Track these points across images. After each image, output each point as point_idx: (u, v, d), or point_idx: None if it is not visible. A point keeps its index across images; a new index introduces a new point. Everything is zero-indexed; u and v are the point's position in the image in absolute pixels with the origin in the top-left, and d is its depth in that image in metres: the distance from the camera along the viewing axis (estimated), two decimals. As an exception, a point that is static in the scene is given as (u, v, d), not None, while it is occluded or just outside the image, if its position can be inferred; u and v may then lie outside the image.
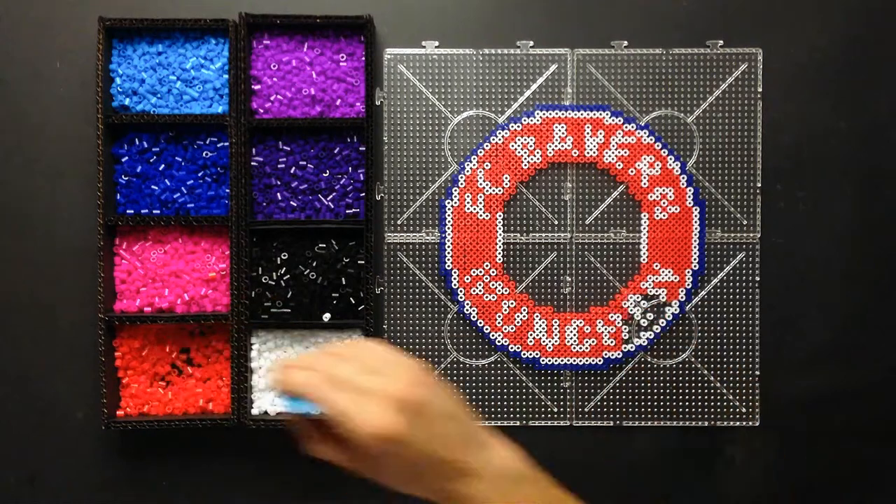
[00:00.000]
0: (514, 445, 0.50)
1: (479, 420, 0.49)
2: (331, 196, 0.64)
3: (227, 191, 0.64)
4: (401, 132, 0.65)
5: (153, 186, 0.64)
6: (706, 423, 0.65)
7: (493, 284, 0.65)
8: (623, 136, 0.65)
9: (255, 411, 0.64)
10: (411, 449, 0.45)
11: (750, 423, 0.66)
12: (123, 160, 0.64)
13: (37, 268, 0.65)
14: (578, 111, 0.65)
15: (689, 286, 0.65)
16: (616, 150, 0.65)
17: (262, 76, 0.64)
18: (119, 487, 0.65)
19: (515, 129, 0.65)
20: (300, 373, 0.46)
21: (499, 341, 0.65)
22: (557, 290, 0.66)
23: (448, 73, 0.65)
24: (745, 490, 0.66)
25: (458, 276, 0.65)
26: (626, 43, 0.65)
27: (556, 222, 0.66)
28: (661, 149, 0.65)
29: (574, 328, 0.65)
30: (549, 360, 0.65)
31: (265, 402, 0.64)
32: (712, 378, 0.66)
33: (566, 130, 0.65)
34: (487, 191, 0.65)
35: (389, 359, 0.47)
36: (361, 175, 0.64)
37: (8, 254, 0.64)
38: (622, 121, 0.65)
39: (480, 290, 0.65)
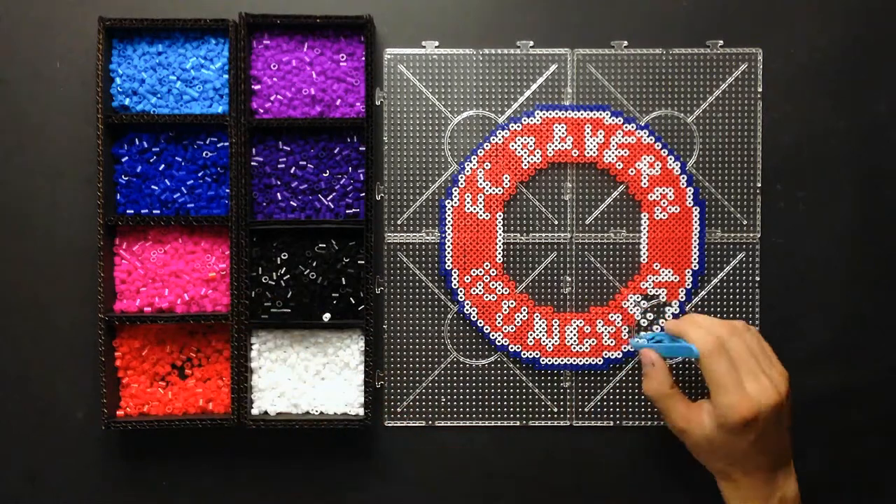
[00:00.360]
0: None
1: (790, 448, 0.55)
2: (331, 196, 0.64)
3: (227, 191, 0.64)
4: (401, 132, 0.65)
5: (153, 186, 0.64)
6: (706, 423, 0.65)
7: (493, 284, 0.65)
8: (623, 136, 0.65)
9: (255, 411, 0.64)
10: (750, 440, 0.51)
11: (750, 423, 0.66)
12: (123, 160, 0.64)
13: (37, 268, 0.65)
14: (578, 111, 0.65)
15: (689, 286, 0.65)
16: (616, 150, 0.65)
17: (262, 76, 0.64)
18: (119, 487, 0.65)
19: (515, 129, 0.65)
20: (698, 329, 0.54)
21: (499, 341, 0.65)
22: (557, 290, 0.66)
23: (448, 73, 0.65)
24: (745, 490, 0.66)
25: (458, 276, 0.65)
26: (626, 43, 0.65)
27: (556, 222, 0.66)
28: (661, 149, 0.65)
29: (574, 328, 0.65)
30: (549, 360, 0.65)
31: (265, 402, 0.64)
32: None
33: (566, 130, 0.65)
34: (487, 191, 0.65)
35: (767, 351, 0.55)
36: (361, 175, 0.64)
37: (8, 254, 0.65)
38: (622, 121, 0.65)
39: (480, 290, 0.65)
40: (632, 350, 0.64)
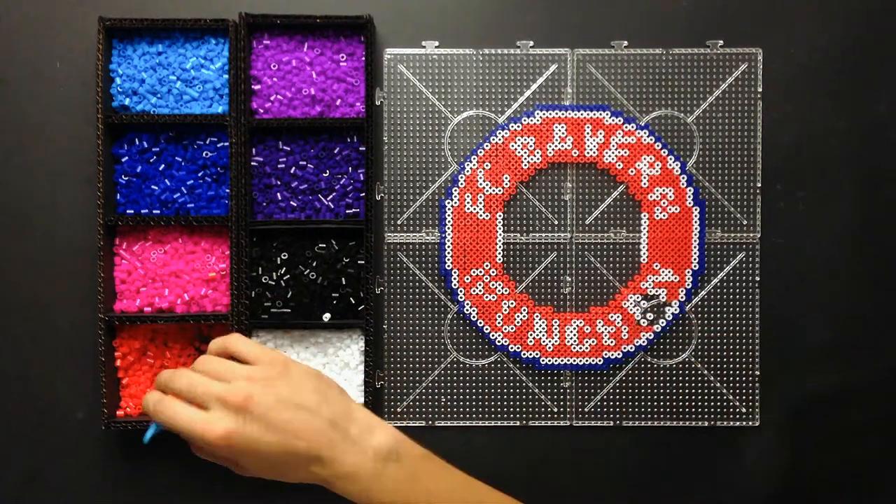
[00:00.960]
0: (390, 426, 0.48)
1: (356, 409, 0.48)
2: (331, 196, 0.64)
3: (227, 191, 0.64)
4: (401, 132, 0.65)
5: (153, 186, 0.64)
6: (706, 423, 0.66)
7: (493, 284, 0.65)
8: (623, 136, 0.65)
9: (255, 411, 0.64)
10: (255, 447, 0.46)
11: (750, 423, 0.66)
12: (123, 160, 0.64)
13: (37, 268, 0.65)
14: (578, 111, 0.65)
15: (689, 286, 0.65)
16: (616, 150, 0.65)
17: (262, 76, 0.64)
18: (119, 487, 0.65)
19: (515, 129, 0.65)
20: (147, 396, 0.48)
21: (499, 341, 0.65)
22: (557, 290, 0.66)
23: (448, 73, 0.65)
24: (746, 490, 0.66)
25: (458, 276, 0.65)
26: (626, 43, 0.65)
27: (556, 222, 0.66)
28: (661, 149, 0.65)
29: (574, 328, 0.65)
30: (549, 360, 0.65)
31: (265, 402, 0.64)
32: (712, 378, 0.66)
33: (566, 130, 0.65)
34: (487, 191, 0.65)
35: (230, 363, 0.48)
36: (361, 175, 0.64)
37: (8, 254, 0.65)
38: (622, 121, 0.65)
39: (480, 290, 0.65)
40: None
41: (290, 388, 0.48)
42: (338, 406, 0.48)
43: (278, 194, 0.64)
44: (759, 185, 0.65)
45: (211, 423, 0.46)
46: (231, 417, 0.45)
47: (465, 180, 0.65)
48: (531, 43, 0.65)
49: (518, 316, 0.65)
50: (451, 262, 0.65)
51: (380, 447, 0.47)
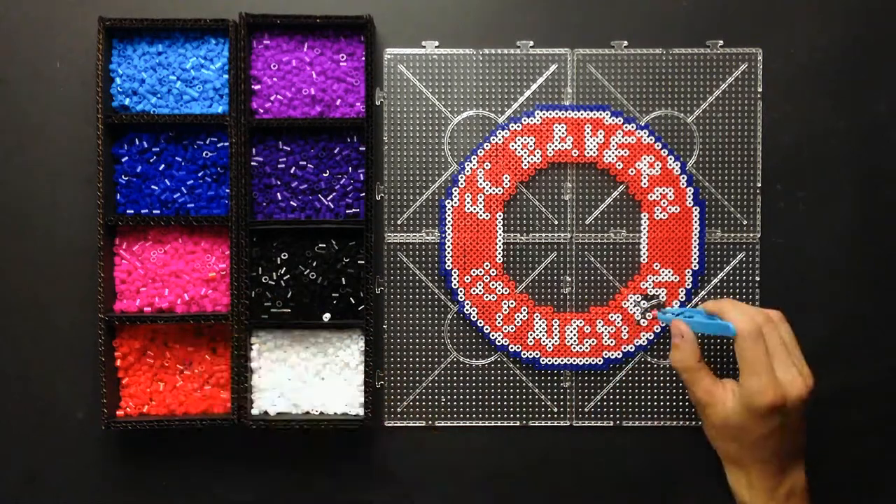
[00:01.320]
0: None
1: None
2: (331, 196, 0.64)
3: (227, 191, 0.64)
4: (401, 132, 0.65)
5: (153, 186, 0.64)
6: (706, 423, 0.65)
7: (493, 284, 0.65)
8: (623, 136, 0.65)
9: (255, 411, 0.64)
10: (768, 427, 0.52)
11: (750, 423, 0.66)
12: (123, 160, 0.64)
13: (37, 268, 0.65)
14: (578, 111, 0.65)
15: (689, 286, 0.65)
16: (616, 150, 0.65)
17: (262, 76, 0.64)
18: (119, 487, 0.65)
19: (515, 129, 0.65)
20: (741, 313, 0.55)
21: (499, 341, 0.65)
22: (557, 290, 0.66)
23: (448, 73, 0.65)
24: (745, 490, 0.66)
25: (458, 276, 0.65)
26: (626, 43, 0.65)
27: (556, 222, 0.66)
28: (661, 149, 0.65)
29: (574, 328, 0.65)
30: (549, 360, 0.65)
31: (265, 402, 0.64)
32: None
33: (566, 130, 0.65)
34: (487, 191, 0.65)
35: (796, 344, 0.56)
36: (361, 175, 0.64)
37: (8, 254, 0.65)
38: (622, 121, 0.65)
39: (480, 290, 0.65)
40: (662, 325, 0.65)
41: (805, 409, 0.56)
42: (803, 442, 0.59)
43: (278, 194, 0.64)
44: (759, 185, 0.65)
45: (779, 388, 0.53)
46: (793, 397, 0.53)
47: (465, 180, 0.65)
48: (531, 43, 0.65)
49: (518, 316, 0.65)
50: (451, 262, 0.65)
51: (795, 491, 0.56)
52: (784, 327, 0.57)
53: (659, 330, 0.65)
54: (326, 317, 0.64)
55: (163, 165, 0.64)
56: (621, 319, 0.65)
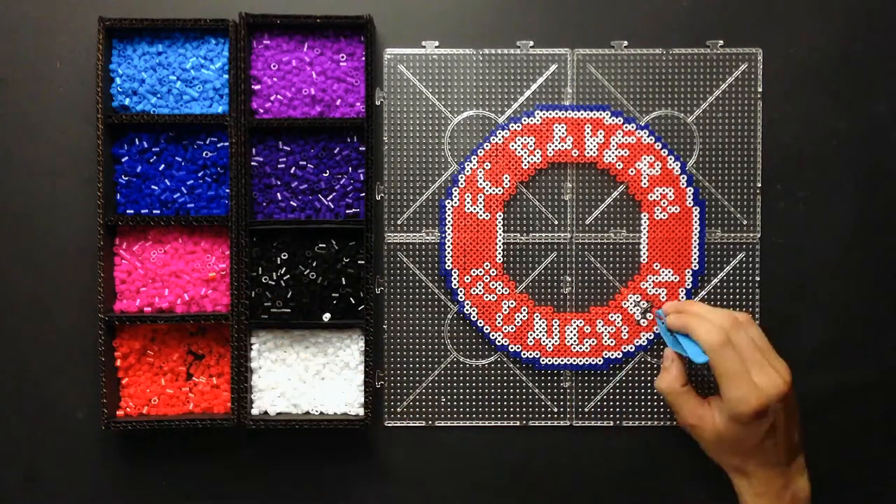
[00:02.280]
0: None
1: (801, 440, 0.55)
2: (331, 196, 0.64)
3: (227, 191, 0.64)
4: (401, 132, 0.65)
5: (153, 186, 0.64)
6: (706, 423, 0.65)
7: (493, 284, 0.65)
8: (623, 136, 0.65)
9: (255, 411, 0.64)
10: (758, 431, 0.51)
11: (750, 423, 0.66)
12: (123, 160, 0.64)
13: (37, 268, 0.65)
14: (578, 111, 0.65)
15: (689, 286, 0.65)
16: (616, 150, 0.65)
17: (262, 76, 0.64)
18: (119, 487, 0.65)
19: (515, 129, 0.65)
20: (704, 323, 0.54)
21: (499, 341, 0.65)
22: (557, 290, 0.66)
23: (448, 73, 0.65)
24: (745, 490, 0.66)
25: (458, 276, 0.65)
26: (626, 43, 0.65)
27: (556, 222, 0.66)
28: (661, 149, 0.65)
29: (574, 328, 0.65)
30: (549, 360, 0.65)
31: (265, 402, 0.64)
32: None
33: (566, 130, 0.65)
34: (487, 191, 0.65)
35: (768, 344, 0.55)
36: (361, 175, 0.64)
37: (8, 254, 0.65)
38: (622, 121, 0.65)
39: (480, 290, 0.65)
40: (655, 332, 0.65)
41: (795, 405, 0.56)
42: (798, 439, 0.57)
43: (278, 194, 0.64)
44: (759, 185, 0.65)
45: (759, 392, 0.52)
46: (775, 399, 0.51)
47: (465, 180, 0.65)
48: (531, 43, 0.65)
49: (518, 316, 0.65)
50: (451, 262, 0.65)
51: (798, 494, 0.56)
52: (753, 329, 0.56)
53: (659, 331, 0.65)
54: (326, 317, 0.64)
55: (163, 165, 0.64)
56: (621, 319, 0.65)
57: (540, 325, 0.65)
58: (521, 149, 0.65)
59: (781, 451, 0.54)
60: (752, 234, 0.66)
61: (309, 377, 0.65)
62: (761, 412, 0.52)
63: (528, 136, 0.65)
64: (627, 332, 0.65)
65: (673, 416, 0.66)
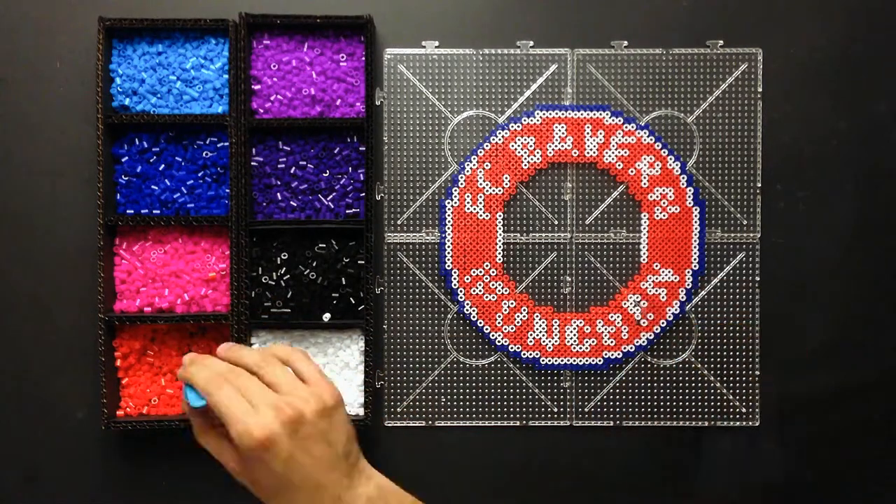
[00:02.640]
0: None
1: (359, 452, 0.51)
2: (331, 196, 0.64)
3: (227, 191, 0.64)
4: (401, 132, 0.65)
5: (153, 186, 0.64)
6: (706, 423, 0.66)
7: (493, 284, 0.65)
8: (623, 136, 0.65)
9: (255, 411, 0.64)
10: (280, 461, 0.48)
11: (750, 423, 0.66)
12: (123, 160, 0.64)
13: (37, 268, 0.65)
14: (578, 111, 0.65)
15: (689, 286, 0.65)
16: (616, 150, 0.65)
17: (262, 76, 0.64)
18: (119, 487, 0.65)
19: (515, 129, 0.65)
20: (202, 369, 0.49)
21: (499, 341, 0.65)
22: (557, 290, 0.66)
23: (448, 73, 0.65)
24: (746, 490, 0.66)
25: (458, 276, 0.65)
26: (626, 43, 0.65)
27: (556, 222, 0.66)
28: (661, 149, 0.65)
29: (574, 328, 0.65)
30: (549, 360, 0.65)
31: (265, 402, 0.64)
32: (712, 378, 0.66)
33: (566, 130, 0.65)
34: (487, 191, 0.65)
35: (293, 379, 0.50)
36: (361, 175, 0.64)
37: (8, 254, 0.65)
38: (622, 121, 0.65)
39: (480, 290, 0.65)
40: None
41: (333, 425, 0.50)
42: (354, 457, 0.51)
43: (278, 194, 0.64)
44: (759, 185, 0.65)
45: (260, 423, 0.47)
46: (278, 427, 0.47)
47: (465, 180, 0.65)
48: (531, 43, 0.65)
49: (518, 316, 0.65)
50: (451, 262, 0.65)
51: (370, 496, 0.50)
52: (278, 366, 0.50)
53: (659, 330, 0.65)
54: (326, 317, 0.64)
55: (163, 165, 0.64)
56: (621, 319, 0.65)
57: (540, 325, 0.65)
58: (521, 149, 0.65)
59: (331, 470, 0.49)
60: (752, 234, 0.66)
61: (309, 377, 0.65)
62: (266, 441, 0.46)
63: (528, 136, 0.65)
64: (627, 332, 0.65)
65: (670, 416, 0.66)
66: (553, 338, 0.65)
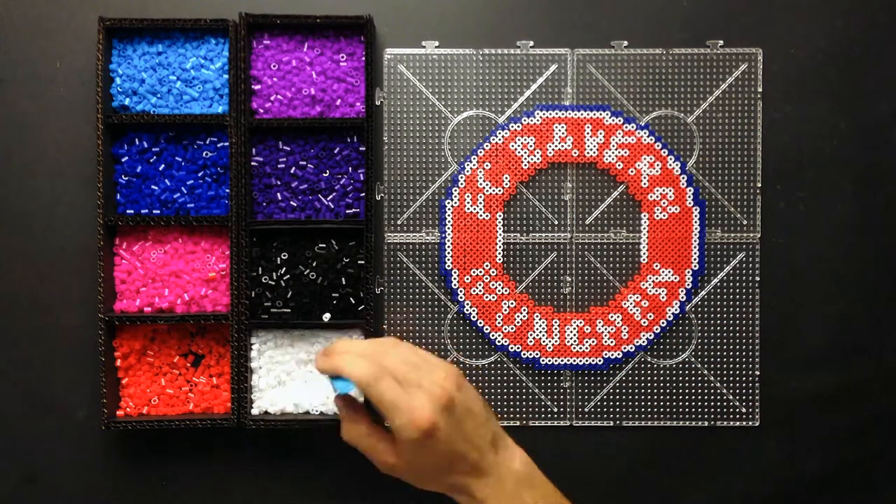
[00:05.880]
0: (525, 451, 0.54)
1: (498, 421, 0.53)
2: (331, 196, 0.64)
3: (227, 191, 0.64)
4: (401, 132, 0.65)
5: (153, 186, 0.64)
6: (706, 423, 0.66)
7: (493, 284, 0.65)
8: (623, 136, 0.65)
9: (255, 411, 0.64)
10: (442, 444, 0.49)
11: (750, 423, 0.66)
12: (123, 160, 0.64)
13: (37, 268, 0.65)
14: (578, 111, 0.65)
15: (689, 286, 0.65)
16: (616, 150, 0.65)
17: (262, 76, 0.64)
18: (119, 487, 0.65)
19: (515, 129, 0.65)
20: (352, 359, 0.50)
21: (499, 341, 0.65)
22: (557, 290, 0.66)
23: (448, 73, 0.65)
24: (746, 490, 0.66)
25: (458, 276, 0.65)
26: (626, 43, 0.65)
27: (556, 222, 0.66)
28: (661, 149, 0.65)
29: (574, 328, 0.65)
30: (549, 360, 0.65)
31: (265, 402, 0.64)
32: (712, 378, 0.66)
33: (566, 130, 0.65)
34: (487, 191, 0.65)
35: (424, 356, 0.51)
36: (361, 175, 0.64)
37: (8, 254, 0.65)
38: (622, 121, 0.65)
39: (480, 290, 0.65)
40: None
41: (469, 394, 0.52)
42: (494, 425, 0.53)
43: (278, 194, 0.64)
44: (759, 185, 0.65)
45: (421, 410, 0.49)
46: (438, 412, 0.49)
47: (465, 180, 0.65)
48: (531, 43, 0.65)
49: (518, 316, 0.65)
50: (451, 262, 0.65)
51: (519, 472, 0.52)
52: (402, 347, 0.53)
53: (659, 330, 0.65)
54: (326, 317, 0.64)
55: (163, 165, 0.64)
56: (621, 319, 0.65)
57: (540, 325, 0.65)
58: (521, 149, 0.65)
59: (480, 449, 0.51)
60: (752, 234, 0.66)
61: (309, 377, 0.65)
62: (430, 429, 0.48)
63: (528, 136, 0.65)
64: (627, 332, 0.65)
65: (670, 416, 0.66)
66: (553, 338, 0.65)
